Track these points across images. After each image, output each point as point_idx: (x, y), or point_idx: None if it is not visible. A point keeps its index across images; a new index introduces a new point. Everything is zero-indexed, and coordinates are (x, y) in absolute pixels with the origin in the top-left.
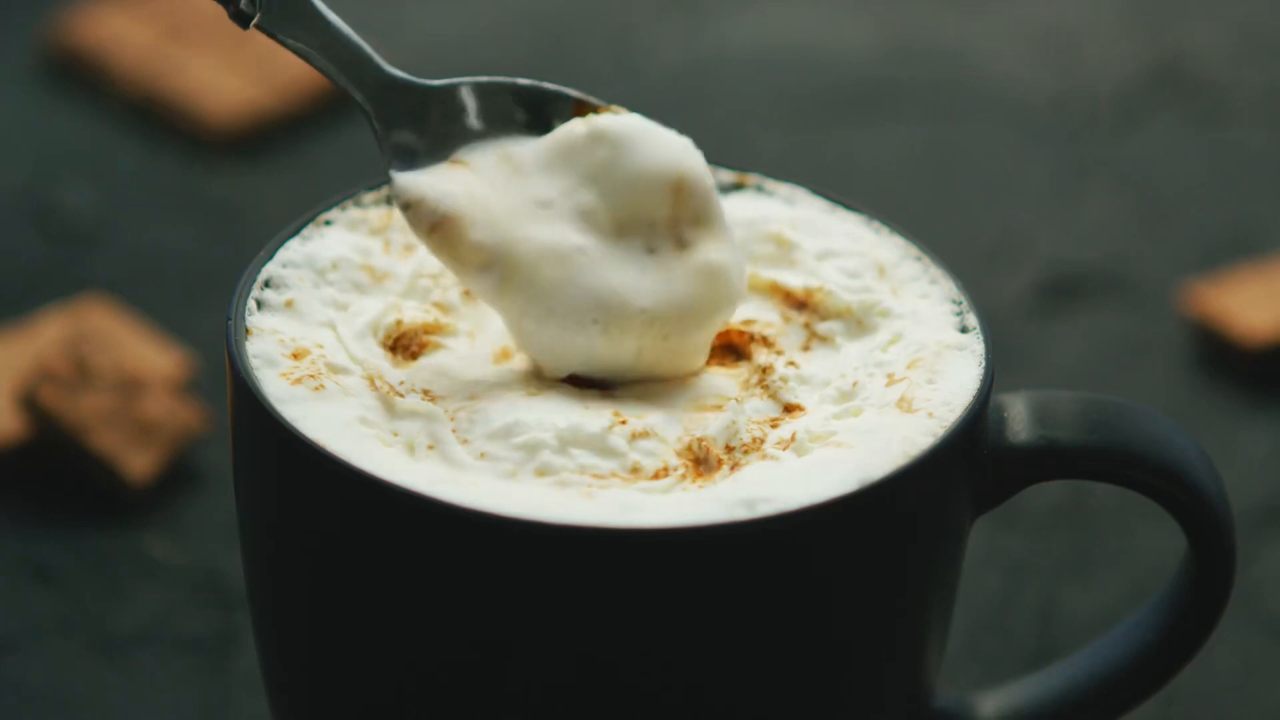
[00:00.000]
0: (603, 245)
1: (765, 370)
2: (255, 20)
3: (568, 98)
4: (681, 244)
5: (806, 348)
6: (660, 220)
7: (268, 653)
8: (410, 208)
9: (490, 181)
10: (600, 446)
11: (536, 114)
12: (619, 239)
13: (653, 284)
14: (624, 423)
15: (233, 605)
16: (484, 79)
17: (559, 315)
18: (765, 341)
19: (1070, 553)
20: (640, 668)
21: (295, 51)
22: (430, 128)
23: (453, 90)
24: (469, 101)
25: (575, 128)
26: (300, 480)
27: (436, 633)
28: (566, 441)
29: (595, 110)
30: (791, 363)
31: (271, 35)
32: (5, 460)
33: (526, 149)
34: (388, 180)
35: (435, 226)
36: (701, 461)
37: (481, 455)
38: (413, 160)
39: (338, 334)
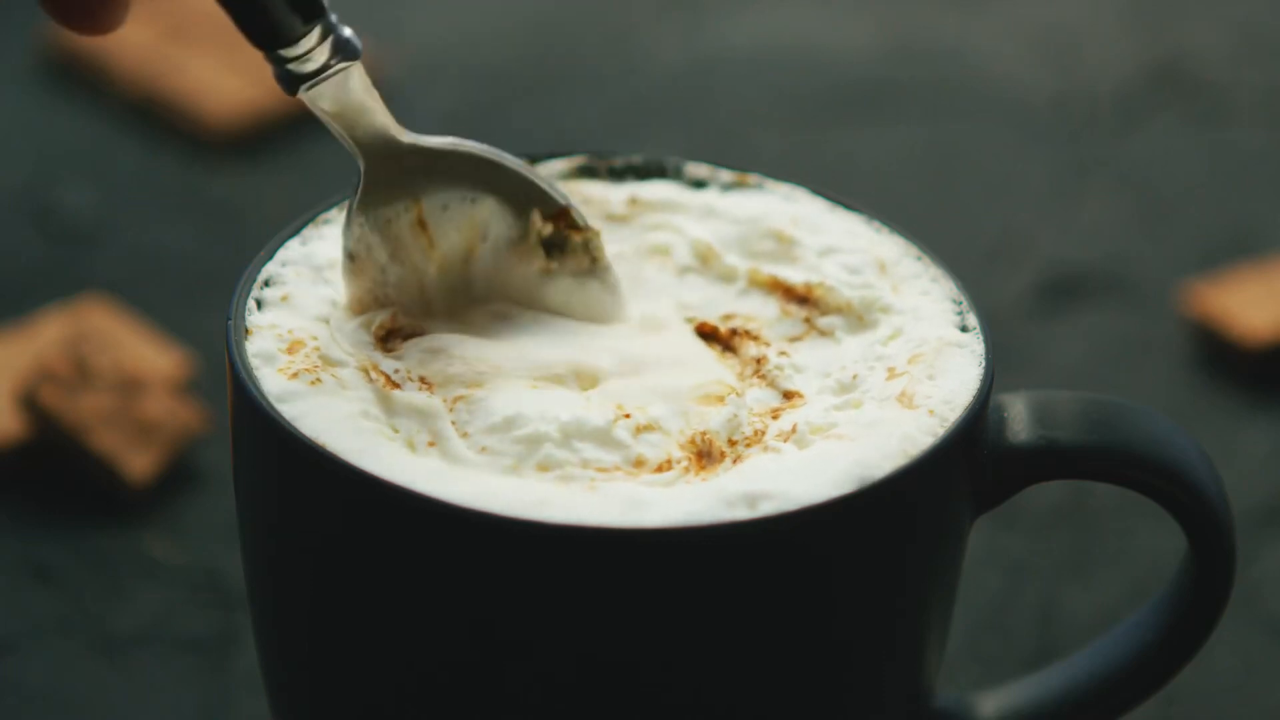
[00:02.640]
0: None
1: (760, 361)
2: (307, 87)
3: (556, 201)
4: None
5: (796, 338)
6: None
7: (268, 653)
8: (354, 260)
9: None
10: (604, 439)
11: (520, 197)
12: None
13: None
14: (627, 416)
15: (233, 605)
16: (483, 149)
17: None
18: (749, 335)
19: (1070, 553)
20: (640, 667)
21: (319, 115)
22: (414, 181)
23: (447, 152)
24: (460, 165)
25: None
26: (300, 480)
27: (436, 632)
28: (570, 434)
29: (576, 226)
30: (783, 352)
31: (312, 104)
32: (5, 460)
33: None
34: (350, 214)
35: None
36: (705, 454)
37: (482, 450)
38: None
39: (330, 325)
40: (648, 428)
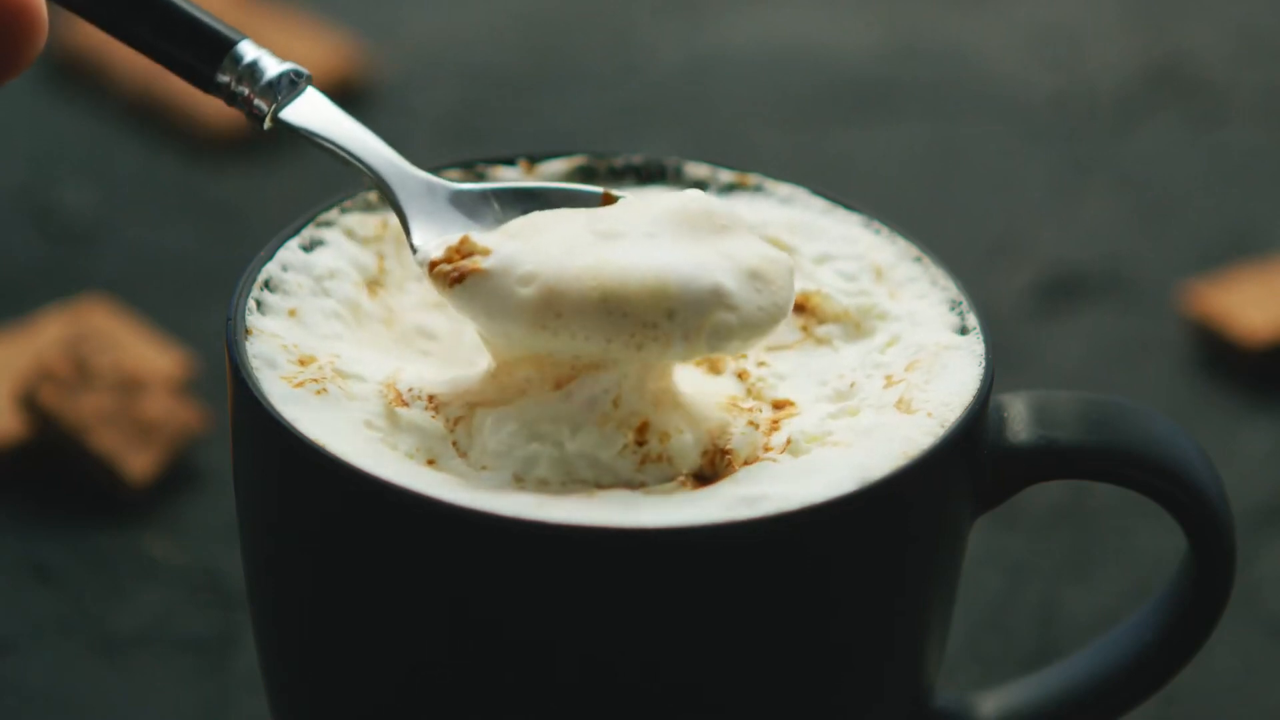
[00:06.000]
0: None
1: (741, 375)
2: (269, 117)
3: (596, 194)
4: None
5: (783, 347)
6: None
7: (268, 653)
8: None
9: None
10: (611, 470)
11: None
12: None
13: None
14: (641, 444)
15: (233, 605)
16: (509, 185)
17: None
18: None
19: (1070, 553)
20: (640, 668)
21: (319, 146)
22: (457, 221)
23: (476, 194)
24: (494, 204)
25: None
26: (300, 480)
27: (436, 633)
28: (572, 459)
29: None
30: (761, 362)
31: (293, 130)
32: (5, 460)
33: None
34: (412, 250)
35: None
36: (711, 465)
37: (483, 468)
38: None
39: (353, 343)
40: (657, 460)
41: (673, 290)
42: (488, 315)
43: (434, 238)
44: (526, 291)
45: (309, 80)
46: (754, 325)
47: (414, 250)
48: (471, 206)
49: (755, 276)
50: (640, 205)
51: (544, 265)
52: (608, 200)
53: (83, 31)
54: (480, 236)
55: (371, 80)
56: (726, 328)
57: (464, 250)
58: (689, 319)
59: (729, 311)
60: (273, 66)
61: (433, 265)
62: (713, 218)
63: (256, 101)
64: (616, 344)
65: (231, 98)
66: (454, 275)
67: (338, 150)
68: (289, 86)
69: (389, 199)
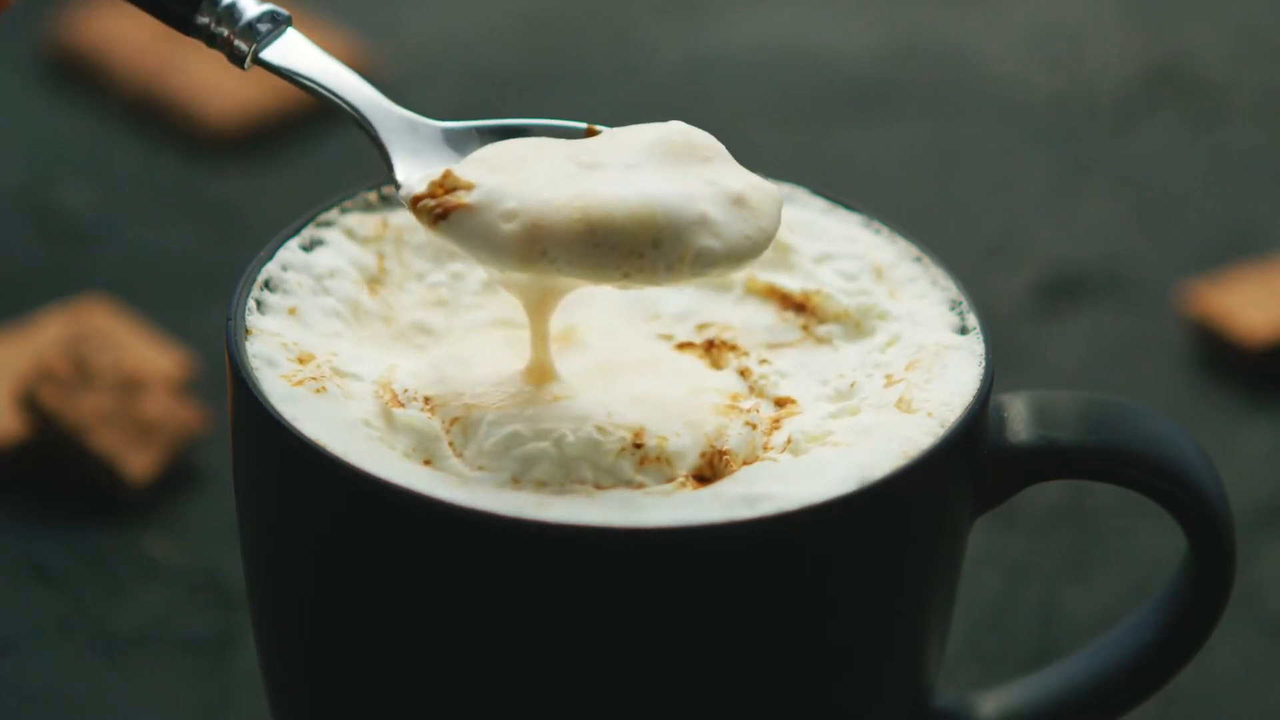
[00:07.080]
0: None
1: (744, 372)
2: (250, 58)
3: (580, 128)
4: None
5: (786, 344)
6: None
7: (268, 653)
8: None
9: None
10: (609, 469)
11: None
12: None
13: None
14: (639, 446)
15: (233, 605)
16: (494, 121)
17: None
18: (727, 345)
19: (1070, 553)
20: (640, 667)
21: (300, 85)
22: (441, 158)
23: (461, 132)
24: (480, 142)
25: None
26: (300, 480)
27: (436, 633)
28: (571, 458)
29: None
30: (763, 360)
31: (274, 71)
32: (5, 460)
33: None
34: (395, 187)
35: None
36: (710, 467)
37: (480, 468)
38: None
39: (352, 341)
40: (656, 460)
41: (660, 219)
42: (474, 250)
43: (417, 173)
44: (510, 227)
45: (289, 21)
46: (738, 252)
47: (396, 186)
48: (457, 145)
49: (740, 204)
50: (623, 136)
51: (527, 200)
52: (591, 134)
53: (83, 31)
54: (462, 169)
55: (371, 80)
56: (710, 254)
57: (447, 185)
58: (673, 248)
59: (713, 239)
60: (251, 7)
61: (415, 200)
62: (696, 148)
63: (236, 43)
64: (604, 275)
65: (211, 39)
66: (438, 211)
67: (318, 89)
68: (269, 27)
69: (370, 136)
